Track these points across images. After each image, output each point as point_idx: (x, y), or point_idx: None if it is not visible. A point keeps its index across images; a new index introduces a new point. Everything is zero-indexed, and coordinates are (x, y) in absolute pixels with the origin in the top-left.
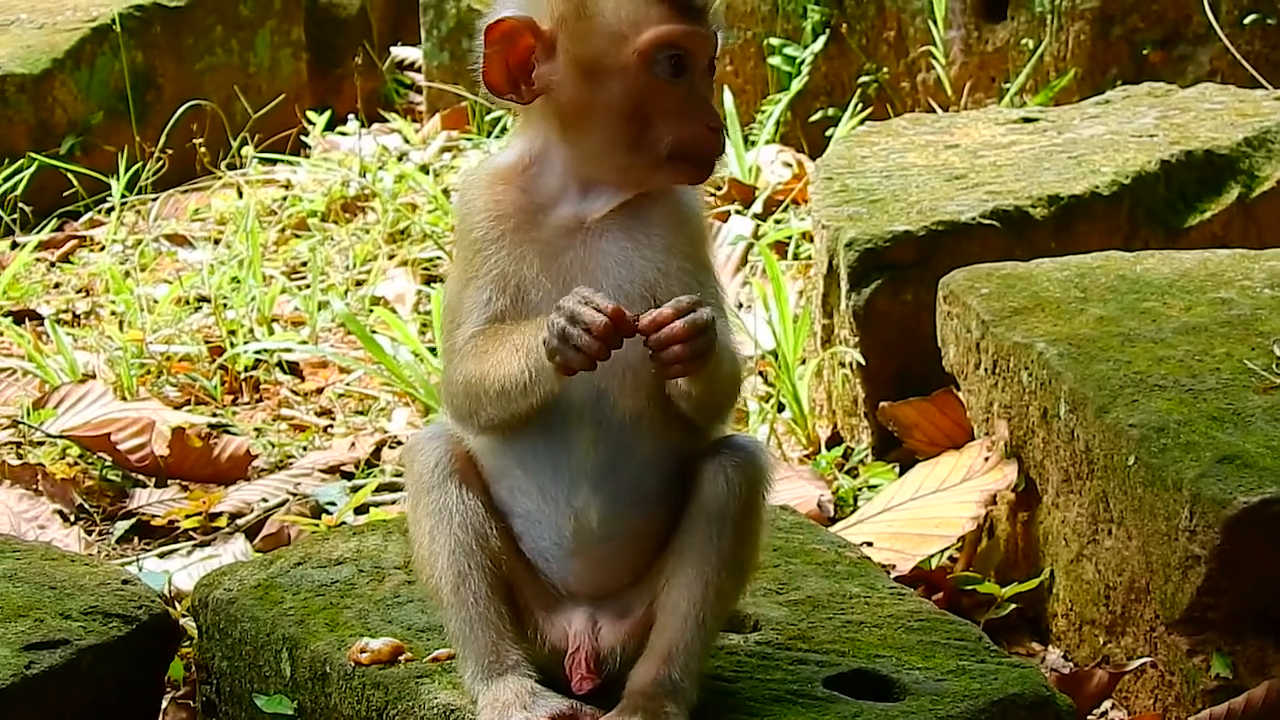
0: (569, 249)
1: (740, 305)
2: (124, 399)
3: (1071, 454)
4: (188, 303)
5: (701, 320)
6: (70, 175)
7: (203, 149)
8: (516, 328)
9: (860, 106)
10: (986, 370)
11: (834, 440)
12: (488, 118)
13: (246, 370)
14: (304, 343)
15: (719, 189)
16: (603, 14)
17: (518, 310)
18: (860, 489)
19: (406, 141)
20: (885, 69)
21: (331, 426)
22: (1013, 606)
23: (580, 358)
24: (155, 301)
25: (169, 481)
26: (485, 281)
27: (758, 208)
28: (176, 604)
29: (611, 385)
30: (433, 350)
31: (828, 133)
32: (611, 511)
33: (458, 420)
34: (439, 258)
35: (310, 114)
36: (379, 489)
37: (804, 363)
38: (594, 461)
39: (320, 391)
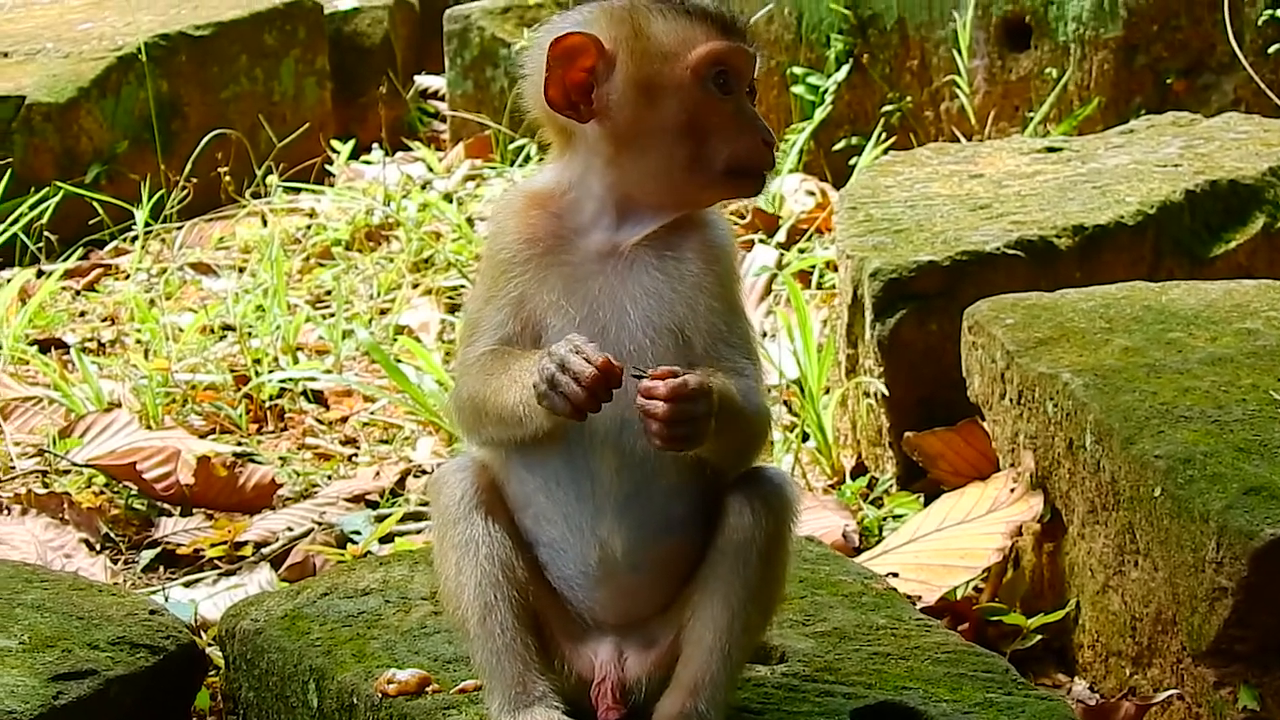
0: (598, 276)
1: (764, 334)
2: (149, 428)
3: (1097, 485)
4: (213, 331)
5: (688, 412)
6: (95, 204)
7: (227, 177)
8: (521, 356)
9: (884, 135)
10: (1012, 401)
11: (859, 470)
12: (511, 146)
13: (271, 399)
14: (328, 371)
15: (743, 218)
16: (656, 34)
17: (531, 335)
18: (885, 519)
19: (430, 170)
20: (909, 98)
21: (356, 455)
22: (1039, 638)
23: (567, 405)
24: (180, 330)
25: (194, 510)
26: (504, 303)
27: (781, 236)
28: (202, 633)
29: (635, 414)
30: None
31: (851, 162)
32: (636, 540)
33: (462, 433)
34: (463, 286)
35: (334, 142)
36: (404, 518)
37: (828, 392)
38: (618, 490)
39: (345, 420)
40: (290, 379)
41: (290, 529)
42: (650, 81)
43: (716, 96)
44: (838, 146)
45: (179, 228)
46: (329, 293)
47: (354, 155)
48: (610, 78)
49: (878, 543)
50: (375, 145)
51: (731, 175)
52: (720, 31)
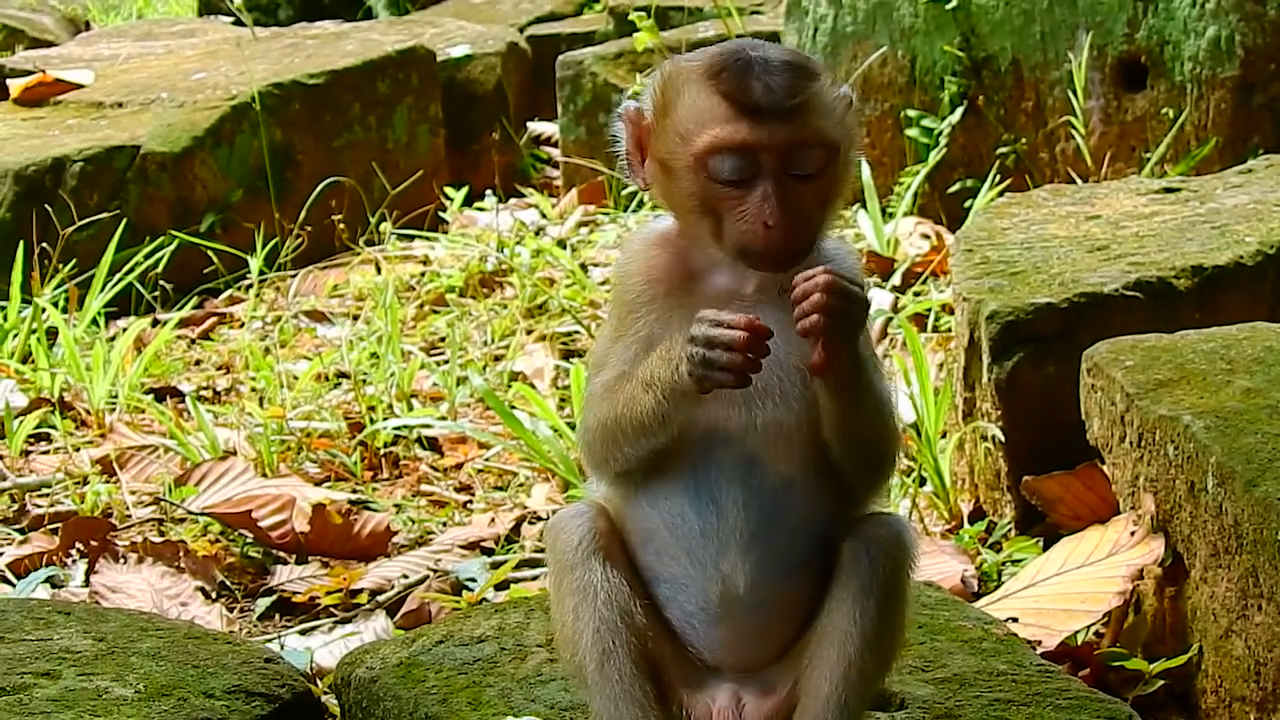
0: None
1: None
2: (264, 476)
3: (1220, 528)
4: (327, 379)
5: (840, 286)
6: (210, 252)
7: (341, 225)
8: (645, 363)
9: (999, 178)
10: (1132, 443)
11: (976, 514)
12: (624, 192)
13: (386, 446)
14: (443, 418)
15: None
16: (679, 110)
17: None
18: (1004, 564)
19: (543, 216)
20: (1023, 140)
21: (471, 502)
22: (1161, 683)
23: (729, 377)
24: (295, 378)
25: (310, 558)
26: (631, 340)
27: (896, 280)
28: (318, 681)
29: (763, 448)
30: (571, 425)
31: (966, 204)
32: (759, 578)
33: (594, 469)
34: (577, 332)
35: (448, 190)
36: (520, 565)
37: (945, 436)
38: (743, 525)
39: (459, 467)
40: (405, 426)
41: (405, 576)
42: (666, 161)
43: (722, 182)
44: (952, 189)
45: (293, 276)
46: (443, 339)
47: (467, 202)
48: (650, 149)
49: (996, 588)
50: (488, 192)
51: (743, 256)
52: (737, 114)
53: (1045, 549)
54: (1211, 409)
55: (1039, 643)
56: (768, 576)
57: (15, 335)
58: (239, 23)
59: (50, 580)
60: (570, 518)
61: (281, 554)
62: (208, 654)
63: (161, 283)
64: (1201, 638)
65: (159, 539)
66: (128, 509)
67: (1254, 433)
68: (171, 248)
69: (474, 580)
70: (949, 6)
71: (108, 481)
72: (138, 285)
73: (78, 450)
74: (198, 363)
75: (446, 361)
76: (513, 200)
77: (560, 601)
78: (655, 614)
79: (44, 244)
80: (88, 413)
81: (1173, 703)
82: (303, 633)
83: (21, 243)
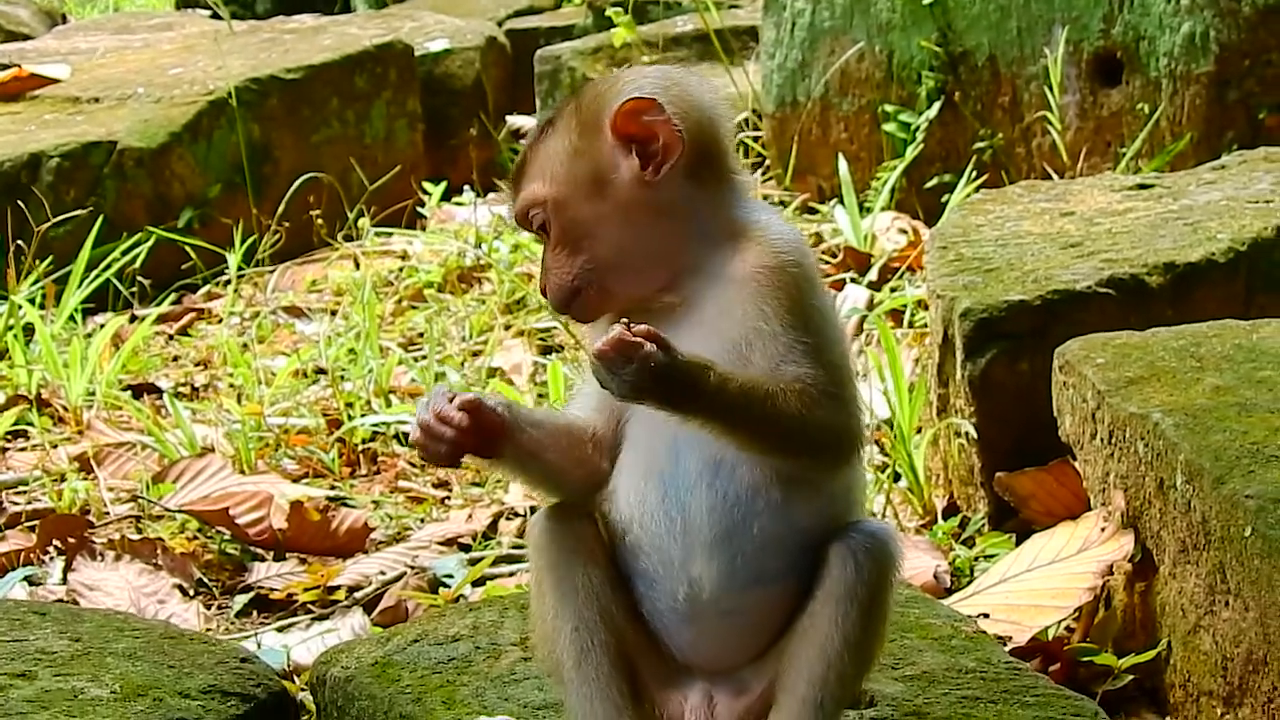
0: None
1: (856, 374)
2: (242, 472)
3: (1188, 525)
4: (305, 375)
5: (619, 350)
6: (188, 248)
7: (319, 221)
8: None
9: (975, 173)
10: (1103, 440)
11: (950, 510)
12: None
13: (364, 442)
14: None
15: (835, 256)
16: None
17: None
18: (977, 559)
19: None
20: (1000, 135)
21: (449, 498)
22: (1130, 678)
23: (426, 457)
24: (273, 374)
25: (287, 555)
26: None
27: (874, 275)
28: (295, 677)
29: (728, 454)
30: None
31: (943, 199)
32: (727, 586)
33: None
34: (555, 328)
35: (426, 185)
36: (497, 561)
37: (920, 432)
38: (708, 530)
39: None
40: (383, 422)
41: (383, 573)
42: None
43: None
44: (930, 184)
45: (271, 271)
46: (421, 335)
47: (445, 197)
48: None
49: (969, 583)
50: (467, 187)
51: None
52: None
53: (1018, 544)
54: (1181, 406)
55: (1010, 638)
56: (735, 586)
57: None
58: (216, 16)
59: (28, 578)
60: (552, 514)
61: (259, 551)
62: (183, 654)
63: (139, 279)
64: (1170, 633)
65: (137, 536)
66: (105, 506)
67: (1222, 430)
68: (149, 244)
69: (451, 577)
70: (926, 2)
71: (85, 479)
72: (115, 281)
73: (55, 447)
74: (175, 359)
75: (425, 357)
76: (491, 195)
77: (540, 598)
78: (632, 610)
79: (20, 240)
80: (65, 409)
81: (1142, 697)
82: (280, 629)
83: None
